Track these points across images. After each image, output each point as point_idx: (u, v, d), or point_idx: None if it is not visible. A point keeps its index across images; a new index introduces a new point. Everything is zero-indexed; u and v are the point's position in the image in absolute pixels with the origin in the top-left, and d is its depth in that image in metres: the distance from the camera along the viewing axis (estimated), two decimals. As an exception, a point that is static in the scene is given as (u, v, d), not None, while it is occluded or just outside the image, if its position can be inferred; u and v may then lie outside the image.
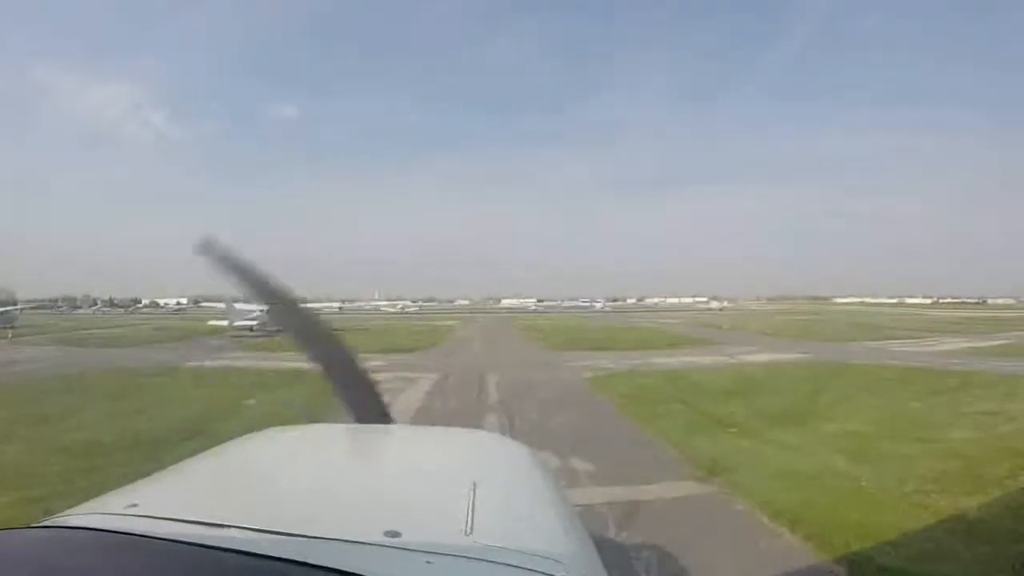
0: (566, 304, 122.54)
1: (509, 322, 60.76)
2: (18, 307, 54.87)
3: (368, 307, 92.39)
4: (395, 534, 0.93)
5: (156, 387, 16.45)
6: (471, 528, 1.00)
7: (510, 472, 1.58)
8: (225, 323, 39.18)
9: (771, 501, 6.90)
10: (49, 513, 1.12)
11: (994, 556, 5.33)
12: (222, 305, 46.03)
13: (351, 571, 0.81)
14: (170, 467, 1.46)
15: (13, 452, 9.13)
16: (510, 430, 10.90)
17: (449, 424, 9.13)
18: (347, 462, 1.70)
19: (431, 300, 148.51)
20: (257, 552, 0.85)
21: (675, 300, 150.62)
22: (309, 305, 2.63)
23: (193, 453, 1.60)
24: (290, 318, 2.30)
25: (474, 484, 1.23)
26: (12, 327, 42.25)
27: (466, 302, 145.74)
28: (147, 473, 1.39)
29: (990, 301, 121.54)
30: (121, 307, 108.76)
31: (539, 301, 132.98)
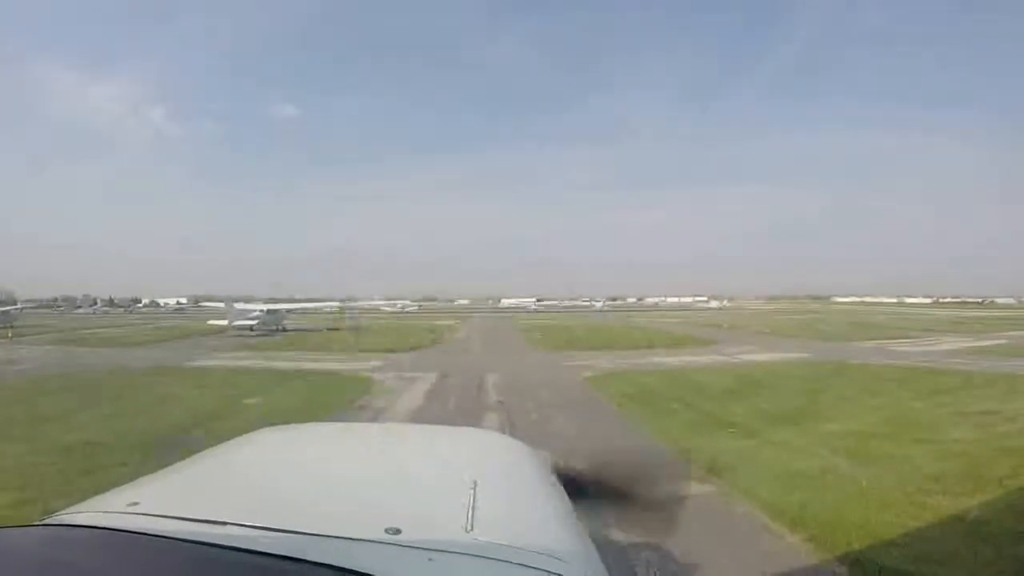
0: (566, 304, 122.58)
1: (509, 322, 60.78)
2: (18, 306, 54.93)
3: (368, 307, 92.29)
4: (396, 531, 0.94)
5: (156, 386, 16.43)
6: (472, 525, 1.00)
7: (511, 470, 1.59)
8: (225, 323, 39.28)
9: (772, 502, 6.88)
10: (49, 512, 1.12)
11: (996, 557, 5.32)
12: (222, 305, 46.14)
13: (353, 568, 0.81)
14: (171, 465, 1.46)
15: (13, 451, 9.11)
16: (509, 430, 10.90)
17: (449, 425, 9.06)
18: (348, 460, 1.70)
19: (431, 300, 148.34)
20: (258, 550, 0.85)
21: (675, 300, 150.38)
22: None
23: (193, 452, 1.60)
24: None
25: (475, 482, 1.23)
26: (12, 326, 42.31)
27: (466, 302, 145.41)
28: (146, 472, 1.38)
29: (995, 301, 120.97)
30: (121, 307, 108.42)
31: (539, 301, 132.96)
